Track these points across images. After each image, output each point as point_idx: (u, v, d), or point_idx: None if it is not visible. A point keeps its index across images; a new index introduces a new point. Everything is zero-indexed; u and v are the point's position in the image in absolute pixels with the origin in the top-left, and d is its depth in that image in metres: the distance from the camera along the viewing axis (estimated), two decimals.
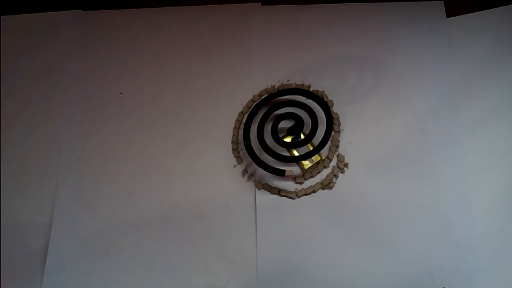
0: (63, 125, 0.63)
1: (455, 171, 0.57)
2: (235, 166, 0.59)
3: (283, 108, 0.59)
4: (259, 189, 0.58)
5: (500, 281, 0.53)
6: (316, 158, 0.58)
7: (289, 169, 0.56)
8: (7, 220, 0.59)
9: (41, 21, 0.68)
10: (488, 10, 0.63)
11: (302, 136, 0.58)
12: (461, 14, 0.64)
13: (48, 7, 0.69)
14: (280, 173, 0.55)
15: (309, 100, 0.58)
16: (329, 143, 0.58)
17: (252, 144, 0.57)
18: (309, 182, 0.58)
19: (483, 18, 0.63)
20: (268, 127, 0.58)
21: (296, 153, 0.58)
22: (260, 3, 0.67)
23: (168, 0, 0.68)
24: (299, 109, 0.58)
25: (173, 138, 0.61)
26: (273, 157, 0.56)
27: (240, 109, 0.62)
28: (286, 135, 0.59)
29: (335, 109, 0.61)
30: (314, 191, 0.57)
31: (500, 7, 0.63)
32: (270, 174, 0.56)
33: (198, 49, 0.65)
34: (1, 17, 0.68)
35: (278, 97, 0.59)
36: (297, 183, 0.58)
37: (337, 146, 0.59)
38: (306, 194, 0.57)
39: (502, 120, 0.58)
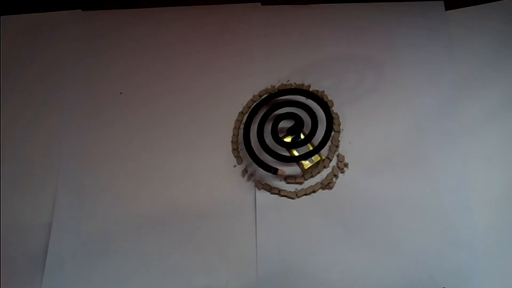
0: (63, 125, 0.63)
1: (455, 171, 0.57)
2: (235, 166, 0.59)
3: (283, 108, 0.59)
4: (259, 189, 0.58)
5: (499, 281, 0.53)
6: (316, 158, 0.58)
7: (282, 169, 0.55)
8: (7, 220, 0.59)
9: (41, 21, 0.68)
10: (487, 3, 0.63)
11: (302, 136, 0.58)
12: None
13: (48, 7, 0.69)
14: (273, 171, 0.55)
15: (309, 100, 0.58)
16: (329, 143, 0.58)
17: (252, 144, 0.57)
18: (309, 182, 0.58)
19: (483, 19, 0.63)
20: (268, 127, 0.58)
21: (296, 153, 0.58)
22: (260, 3, 0.67)
23: (168, 0, 0.68)
24: (299, 109, 0.58)
25: (173, 138, 0.61)
26: (273, 157, 0.56)
27: (240, 109, 0.62)
28: (286, 135, 0.59)
29: (335, 109, 0.61)
30: (314, 191, 0.57)
31: (499, 1, 0.63)
32: (270, 174, 0.56)
33: (198, 49, 0.65)
34: (1, 17, 0.68)
35: (278, 97, 0.59)
36: (297, 183, 0.58)
37: (337, 146, 0.59)
38: (306, 194, 0.57)
39: (502, 120, 0.58)
